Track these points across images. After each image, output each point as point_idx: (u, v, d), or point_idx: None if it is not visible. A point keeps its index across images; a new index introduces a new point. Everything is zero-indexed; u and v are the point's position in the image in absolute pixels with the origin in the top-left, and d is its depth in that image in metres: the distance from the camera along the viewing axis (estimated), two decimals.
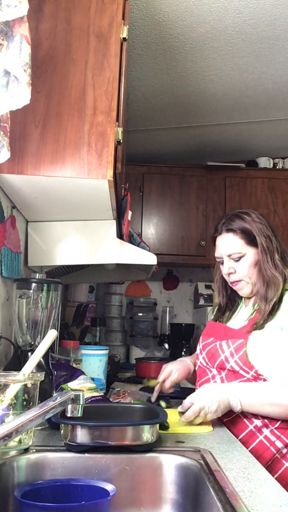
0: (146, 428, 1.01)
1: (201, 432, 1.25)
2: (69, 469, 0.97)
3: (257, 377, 1.36)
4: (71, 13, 1.40)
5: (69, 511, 0.81)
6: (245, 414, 1.36)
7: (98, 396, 1.35)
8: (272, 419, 1.34)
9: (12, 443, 0.97)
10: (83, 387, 1.35)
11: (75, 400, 0.92)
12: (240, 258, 1.48)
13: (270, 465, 1.31)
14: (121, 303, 3.52)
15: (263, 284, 1.45)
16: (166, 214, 3.33)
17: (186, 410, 1.29)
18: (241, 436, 1.34)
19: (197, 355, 1.57)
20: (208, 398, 1.29)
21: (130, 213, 1.85)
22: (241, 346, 1.39)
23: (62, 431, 1.02)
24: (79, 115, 1.34)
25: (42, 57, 1.36)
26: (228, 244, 1.49)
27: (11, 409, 0.99)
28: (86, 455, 0.98)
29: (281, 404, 1.31)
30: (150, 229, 3.32)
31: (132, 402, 1.57)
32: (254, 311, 1.48)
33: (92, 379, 1.45)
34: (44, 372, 1.10)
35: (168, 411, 1.23)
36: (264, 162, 3.54)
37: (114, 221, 1.76)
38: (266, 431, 1.34)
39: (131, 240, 2.08)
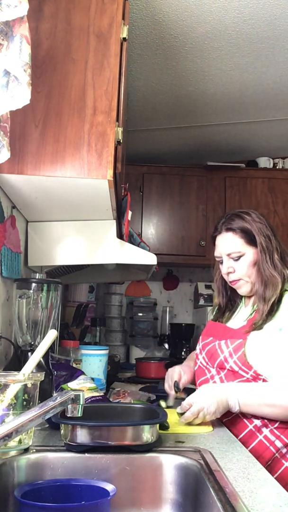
0: (146, 428, 1.01)
1: (201, 432, 1.25)
2: (69, 469, 0.97)
3: (256, 377, 1.36)
4: (71, 13, 1.40)
5: (69, 511, 0.81)
6: (244, 414, 1.36)
7: (98, 396, 1.35)
8: (271, 419, 1.34)
9: (12, 443, 0.97)
10: (83, 387, 1.35)
11: (75, 400, 0.92)
12: (239, 257, 1.48)
13: (270, 465, 1.31)
14: (121, 303, 3.52)
15: (261, 284, 1.45)
16: (166, 214, 3.32)
17: (185, 411, 1.29)
18: (241, 436, 1.34)
19: (197, 355, 1.57)
20: (207, 399, 1.29)
21: (130, 213, 1.85)
22: (239, 346, 1.39)
23: (62, 431, 1.02)
24: (79, 115, 1.34)
25: (42, 57, 1.36)
26: (227, 243, 1.49)
27: (11, 409, 0.99)
28: (86, 455, 0.98)
29: (279, 405, 1.31)
30: (150, 229, 3.32)
31: (132, 402, 1.57)
32: (253, 311, 1.48)
33: (92, 379, 1.45)
34: (44, 372, 1.10)
35: (168, 411, 1.23)
36: (264, 162, 3.54)
37: (114, 221, 1.76)
38: (265, 431, 1.34)
39: (131, 240, 2.08)
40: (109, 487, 0.86)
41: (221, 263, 1.53)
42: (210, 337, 1.54)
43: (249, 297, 1.56)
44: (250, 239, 1.48)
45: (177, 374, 1.60)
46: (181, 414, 1.31)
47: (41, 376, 1.06)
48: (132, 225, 2.30)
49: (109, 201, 1.53)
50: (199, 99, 2.68)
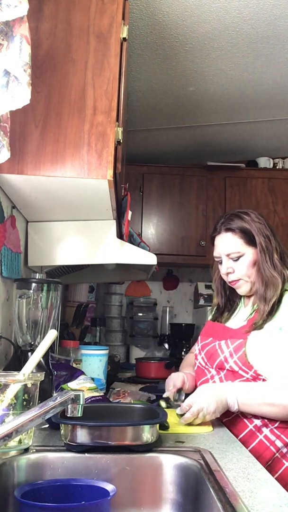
0: (146, 428, 1.01)
1: (201, 432, 1.25)
2: (69, 469, 0.97)
3: (256, 377, 1.36)
4: (71, 13, 1.40)
5: (69, 511, 0.81)
6: (244, 414, 1.36)
7: (98, 396, 1.35)
8: (271, 419, 1.34)
9: (12, 443, 0.97)
10: (83, 387, 1.35)
11: (75, 400, 0.92)
12: (239, 257, 1.48)
13: (270, 465, 1.31)
14: (121, 303, 3.52)
15: (262, 284, 1.45)
16: (166, 214, 3.32)
17: (185, 413, 1.29)
18: (241, 436, 1.34)
19: (196, 355, 1.57)
20: (206, 399, 1.29)
21: (130, 213, 1.85)
22: (240, 346, 1.39)
23: (62, 431, 1.02)
24: (79, 115, 1.34)
25: (42, 57, 1.36)
26: (227, 244, 1.49)
27: (11, 409, 0.99)
28: (86, 455, 0.98)
29: (279, 405, 1.31)
30: (150, 229, 3.32)
31: (132, 402, 1.57)
32: (253, 311, 1.48)
33: (92, 379, 1.45)
34: (44, 372, 1.10)
35: (168, 411, 1.23)
36: (264, 162, 3.54)
37: (114, 221, 1.76)
38: (265, 431, 1.34)
39: (131, 240, 2.08)
40: (109, 487, 0.86)
41: (220, 263, 1.53)
42: (210, 337, 1.54)
43: (249, 297, 1.56)
44: (250, 239, 1.48)
45: (180, 380, 1.54)
46: (181, 415, 1.31)
47: (41, 376, 1.06)
48: (132, 225, 2.30)
49: (109, 201, 1.53)
50: (199, 99, 2.68)
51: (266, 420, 1.35)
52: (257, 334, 1.39)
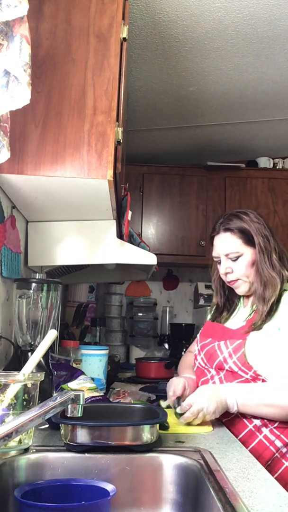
0: (146, 428, 1.01)
1: (201, 432, 1.25)
2: (69, 469, 0.97)
3: (256, 378, 1.36)
4: (71, 13, 1.40)
5: (69, 511, 0.81)
6: (244, 414, 1.36)
7: (98, 396, 1.35)
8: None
9: (12, 443, 0.97)
10: (83, 387, 1.35)
11: (75, 400, 0.92)
12: (237, 257, 1.48)
13: (270, 465, 1.31)
14: (121, 303, 3.52)
15: (260, 284, 1.45)
16: (166, 214, 3.33)
17: (185, 412, 1.29)
18: (240, 436, 1.34)
19: (196, 356, 1.57)
20: (206, 399, 1.29)
21: (130, 213, 1.85)
22: (239, 346, 1.39)
23: (62, 431, 1.02)
24: (79, 115, 1.34)
25: (42, 57, 1.36)
26: (225, 244, 1.49)
27: (11, 409, 0.99)
28: (86, 455, 0.98)
29: (278, 405, 1.31)
30: (150, 229, 3.32)
31: (132, 402, 1.57)
32: (252, 312, 1.48)
33: (92, 379, 1.45)
34: (44, 372, 1.10)
35: (168, 411, 1.23)
36: (264, 162, 3.54)
37: (114, 221, 1.76)
38: (265, 431, 1.34)
39: (131, 240, 2.08)
40: (109, 487, 0.86)
41: (219, 263, 1.53)
42: (209, 337, 1.54)
43: (248, 297, 1.56)
44: (248, 239, 1.47)
45: (181, 387, 1.49)
46: (181, 414, 1.31)
47: (41, 376, 1.05)
48: (132, 225, 2.30)
49: (109, 201, 1.53)
50: (199, 99, 2.68)
51: (265, 420, 1.35)
52: (256, 334, 1.39)
